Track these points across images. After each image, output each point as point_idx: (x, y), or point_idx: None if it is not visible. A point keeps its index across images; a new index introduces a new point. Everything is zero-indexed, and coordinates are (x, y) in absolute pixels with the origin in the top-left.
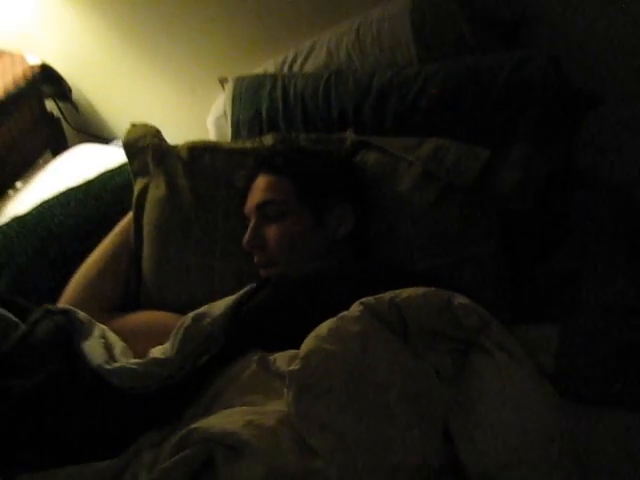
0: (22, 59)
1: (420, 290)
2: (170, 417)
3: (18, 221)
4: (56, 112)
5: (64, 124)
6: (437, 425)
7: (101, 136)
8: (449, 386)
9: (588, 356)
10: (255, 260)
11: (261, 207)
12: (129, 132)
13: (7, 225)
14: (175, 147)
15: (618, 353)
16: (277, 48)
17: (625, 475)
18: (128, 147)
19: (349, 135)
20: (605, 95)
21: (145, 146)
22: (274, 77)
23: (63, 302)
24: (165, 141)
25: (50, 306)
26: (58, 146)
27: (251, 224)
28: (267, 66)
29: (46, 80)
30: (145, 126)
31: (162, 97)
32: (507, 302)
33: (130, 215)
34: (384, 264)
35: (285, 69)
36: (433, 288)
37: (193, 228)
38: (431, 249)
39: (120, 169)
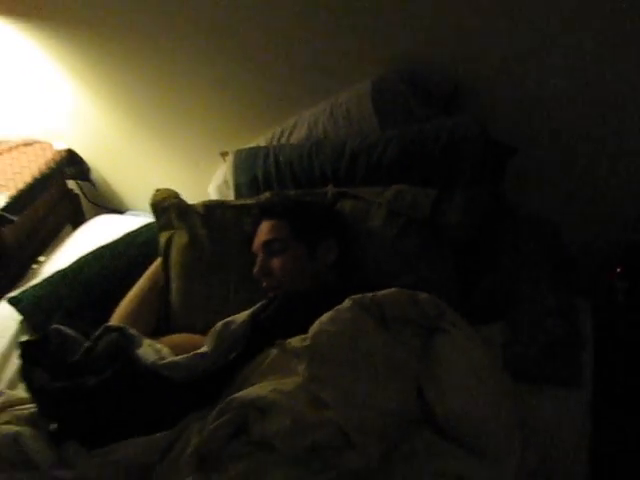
0: (50, 146)
1: (392, 290)
2: (209, 400)
3: (61, 274)
4: (76, 189)
5: (82, 199)
6: (411, 384)
7: (115, 209)
8: (418, 360)
9: (526, 346)
10: (264, 285)
11: (266, 244)
12: (155, 196)
13: (52, 277)
14: (192, 205)
15: (549, 343)
16: (266, 126)
17: (558, 436)
18: (155, 206)
19: (330, 189)
20: (524, 147)
21: (168, 205)
22: (266, 148)
23: None
24: (184, 201)
25: (108, 325)
26: (77, 220)
27: (259, 258)
28: (259, 141)
29: (70, 163)
30: (167, 190)
31: (170, 172)
32: (457, 308)
33: (157, 262)
34: (360, 283)
35: (274, 142)
36: (402, 289)
37: (211, 267)
38: (396, 270)
39: (141, 229)
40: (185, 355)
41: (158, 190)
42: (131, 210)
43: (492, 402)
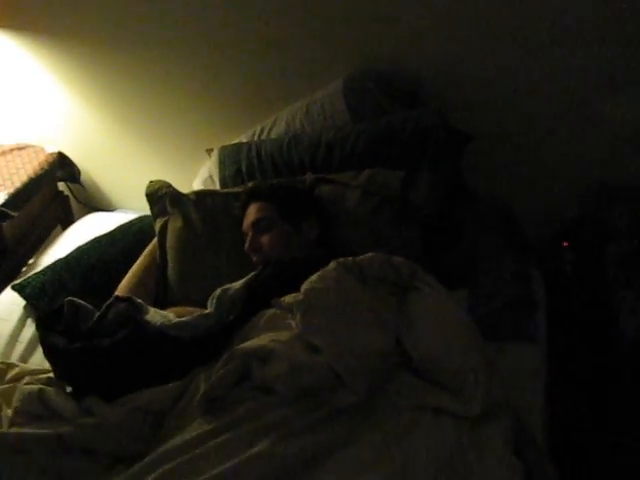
0: (42, 149)
1: (371, 254)
2: (213, 357)
3: (62, 261)
4: (66, 191)
5: (72, 201)
6: (391, 333)
7: (104, 209)
8: (395, 314)
9: (488, 307)
10: (254, 260)
11: (255, 223)
12: (149, 186)
13: (53, 264)
14: (185, 193)
15: (508, 304)
16: (247, 125)
17: (519, 383)
18: (150, 196)
19: (308, 176)
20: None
21: (163, 194)
22: (249, 144)
23: None
24: (177, 189)
25: (118, 295)
26: (67, 220)
27: (249, 236)
28: (241, 138)
29: (61, 166)
30: (160, 181)
31: (156, 172)
32: None
33: (153, 243)
34: (341, 253)
35: (255, 138)
36: (379, 253)
37: (205, 246)
38: (371, 243)
39: (134, 221)
40: (190, 316)
41: (152, 181)
42: (119, 209)
43: (461, 345)
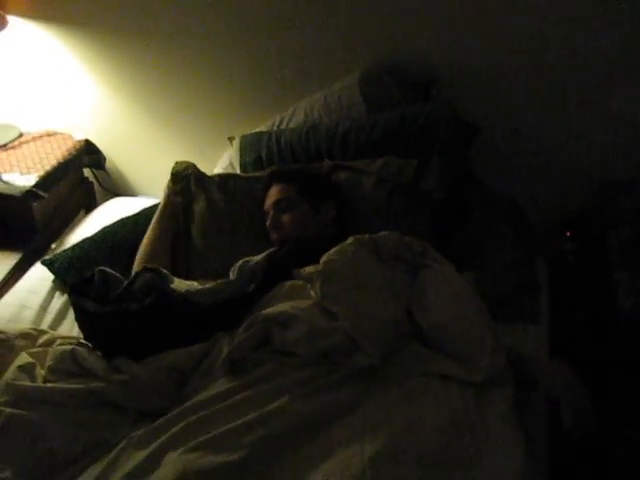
0: (70, 136)
1: (386, 232)
2: (234, 324)
3: (90, 239)
4: (91, 177)
5: (96, 187)
6: (403, 304)
7: (126, 195)
8: (407, 287)
9: (493, 289)
10: (273, 237)
11: (277, 203)
12: (175, 166)
13: (81, 242)
14: (209, 175)
15: (513, 287)
16: (267, 115)
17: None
18: (176, 174)
19: (326, 163)
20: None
21: (188, 174)
22: (269, 132)
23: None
24: (201, 171)
25: (145, 265)
26: (90, 206)
27: (270, 214)
28: (261, 128)
29: (87, 152)
30: (186, 162)
31: (177, 159)
32: None
33: (155, 218)
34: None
35: (275, 128)
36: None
37: (226, 223)
38: (385, 226)
39: (158, 204)
40: (212, 283)
41: (177, 162)
42: (142, 195)
43: (470, 315)
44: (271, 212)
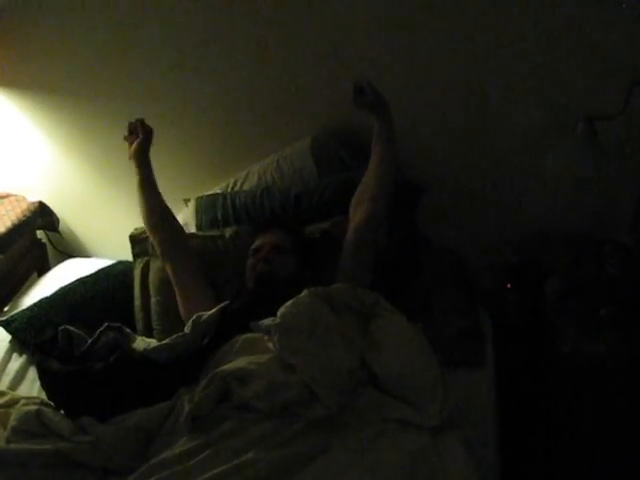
0: (24, 198)
1: (339, 284)
2: (192, 379)
3: (47, 299)
4: (44, 239)
5: (49, 248)
6: (357, 350)
7: (79, 256)
8: (360, 337)
9: (442, 336)
10: (258, 269)
11: (275, 246)
12: (133, 231)
13: (39, 302)
14: None
15: (458, 334)
16: (221, 177)
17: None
18: (133, 237)
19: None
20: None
21: (146, 237)
22: (224, 194)
23: None
24: None
25: (108, 324)
26: (43, 267)
27: (265, 249)
28: (215, 190)
29: (41, 214)
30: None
31: (132, 221)
32: None
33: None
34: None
35: (229, 189)
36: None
37: None
38: (343, 278)
39: (115, 264)
40: (167, 339)
41: (136, 229)
42: (95, 257)
43: (419, 364)
44: (265, 248)
